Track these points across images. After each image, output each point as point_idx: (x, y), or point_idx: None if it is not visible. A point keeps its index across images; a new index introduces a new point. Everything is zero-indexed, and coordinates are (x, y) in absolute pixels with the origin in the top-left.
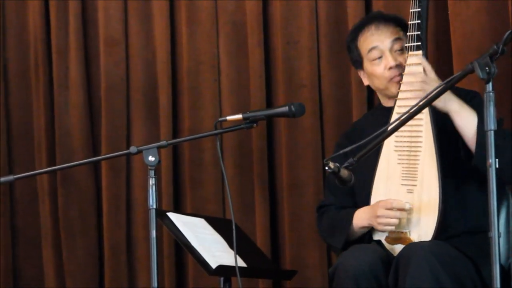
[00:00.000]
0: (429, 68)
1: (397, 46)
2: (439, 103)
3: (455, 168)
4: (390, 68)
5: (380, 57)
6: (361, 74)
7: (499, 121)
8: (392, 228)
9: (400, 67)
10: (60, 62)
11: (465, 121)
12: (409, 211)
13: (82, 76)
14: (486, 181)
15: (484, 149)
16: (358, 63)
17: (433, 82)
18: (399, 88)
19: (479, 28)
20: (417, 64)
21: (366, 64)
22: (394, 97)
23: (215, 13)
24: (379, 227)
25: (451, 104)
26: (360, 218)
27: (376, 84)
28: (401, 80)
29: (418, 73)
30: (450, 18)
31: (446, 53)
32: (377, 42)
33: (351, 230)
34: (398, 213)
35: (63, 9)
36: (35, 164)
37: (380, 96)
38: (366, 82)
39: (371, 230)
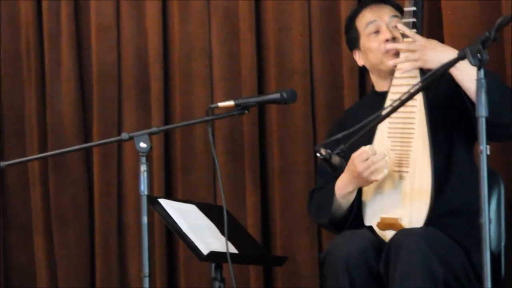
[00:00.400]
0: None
1: (394, 23)
2: (432, 64)
3: (446, 151)
4: (387, 40)
5: (377, 32)
6: (356, 54)
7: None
8: (385, 172)
9: (397, 42)
10: (51, 48)
11: (465, 74)
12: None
13: (74, 62)
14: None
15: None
16: (354, 41)
17: (418, 47)
18: (393, 74)
19: (471, 14)
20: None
21: (363, 40)
22: (389, 74)
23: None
24: (372, 178)
25: (447, 59)
26: (342, 184)
27: (371, 59)
28: (396, 55)
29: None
30: (442, 4)
31: (438, 39)
32: (374, 17)
33: (337, 202)
34: (377, 156)
35: None
36: (26, 150)
37: (374, 79)
38: (361, 62)
39: (362, 217)
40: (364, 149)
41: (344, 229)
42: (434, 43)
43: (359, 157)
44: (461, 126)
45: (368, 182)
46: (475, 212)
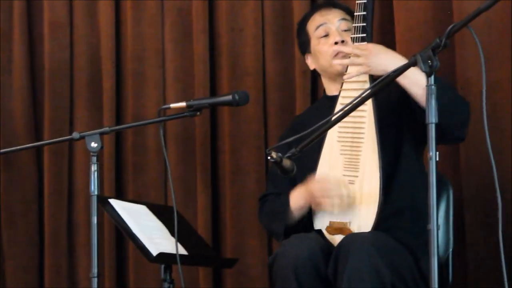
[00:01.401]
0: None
1: (343, 26)
2: (376, 70)
3: (395, 155)
4: (336, 43)
5: (326, 35)
6: (308, 58)
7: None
8: (329, 192)
9: (346, 45)
10: (3, 45)
11: (412, 79)
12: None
13: (26, 59)
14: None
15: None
16: (305, 44)
17: (363, 51)
18: (345, 71)
19: (423, 20)
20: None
21: (313, 43)
22: (339, 77)
23: None
24: (321, 208)
25: (391, 65)
26: (296, 198)
27: (322, 62)
28: (345, 58)
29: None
30: (394, 9)
31: (390, 44)
32: (324, 20)
33: (290, 213)
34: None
35: None
36: None
37: (325, 82)
38: (312, 66)
39: (312, 219)
40: (328, 179)
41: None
42: (378, 48)
43: (322, 181)
44: (410, 130)
45: (317, 206)
46: (421, 212)
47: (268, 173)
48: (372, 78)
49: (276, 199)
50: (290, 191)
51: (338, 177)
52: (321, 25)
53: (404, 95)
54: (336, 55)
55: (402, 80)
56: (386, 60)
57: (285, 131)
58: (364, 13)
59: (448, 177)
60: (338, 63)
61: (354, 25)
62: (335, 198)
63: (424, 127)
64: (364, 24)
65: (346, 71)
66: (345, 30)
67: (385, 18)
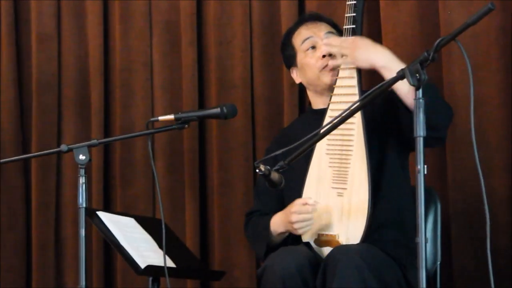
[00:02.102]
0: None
1: (329, 40)
2: (362, 63)
3: (380, 164)
4: (323, 56)
5: (313, 48)
6: (294, 72)
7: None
8: (308, 227)
9: (333, 58)
10: None
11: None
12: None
13: (14, 72)
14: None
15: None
16: (291, 58)
17: (349, 43)
18: (332, 92)
19: (410, 33)
20: (350, 78)
21: (300, 56)
22: (326, 91)
23: (148, 11)
24: (297, 232)
25: (376, 59)
26: (276, 224)
27: (309, 75)
28: (333, 71)
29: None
30: (382, 22)
31: None
32: (311, 33)
33: (271, 237)
34: (309, 211)
35: None
36: None
37: (311, 96)
38: (298, 79)
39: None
40: (308, 202)
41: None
42: (366, 42)
43: (297, 207)
44: (393, 136)
45: (294, 232)
46: (409, 224)
47: (254, 189)
48: (361, 90)
49: (259, 220)
50: (276, 206)
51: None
52: (307, 38)
53: (388, 105)
54: (324, 68)
55: (387, 74)
56: (373, 53)
57: (270, 144)
58: (353, 26)
59: (436, 190)
60: (330, 63)
61: (346, 15)
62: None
63: (409, 130)
64: (354, 14)
65: (335, 84)
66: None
67: (372, 30)
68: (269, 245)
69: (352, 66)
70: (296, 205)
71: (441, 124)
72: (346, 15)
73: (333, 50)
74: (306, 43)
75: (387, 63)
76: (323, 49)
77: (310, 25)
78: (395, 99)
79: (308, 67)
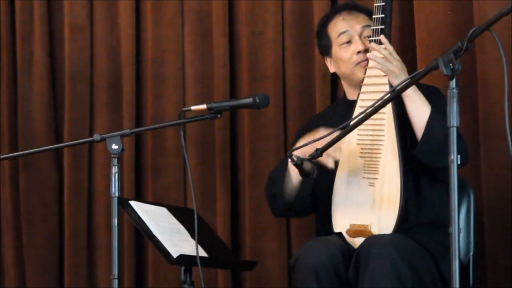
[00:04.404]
0: (390, 47)
1: (366, 33)
2: (392, 81)
3: (416, 162)
4: (359, 52)
5: (349, 42)
6: (328, 61)
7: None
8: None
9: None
10: (24, 47)
11: (417, 108)
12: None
13: (46, 62)
14: (436, 175)
15: (428, 145)
16: (326, 48)
17: (395, 61)
18: (362, 82)
19: (443, 24)
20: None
21: (335, 49)
22: (360, 85)
23: (180, 1)
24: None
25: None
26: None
27: (343, 69)
28: (367, 65)
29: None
30: (415, 12)
31: (411, 49)
32: (347, 26)
33: (289, 178)
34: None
35: None
36: None
37: (345, 86)
38: (332, 69)
39: (332, 224)
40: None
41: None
42: (399, 66)
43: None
44: None
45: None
46: (444, 223)
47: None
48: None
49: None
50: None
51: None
52: (343, 32)
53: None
54: (359, 63)
55: (410, 104)
56: (402, 74)
57: (301, 130)
58: (383, 15)
59: (469, 181)
60: (369, 56)
61: (372, 28)
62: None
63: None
64: (383, 26)
65: (365, 74)
66: (368, 37)
67: (405, 21)
68: (286, 188)
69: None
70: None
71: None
72: (374, 16)
73: (375, 64)
74: (342, 37)
75: (414, 94)
76: (358, 45)
77: (347, 17)
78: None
79: (342, 62)
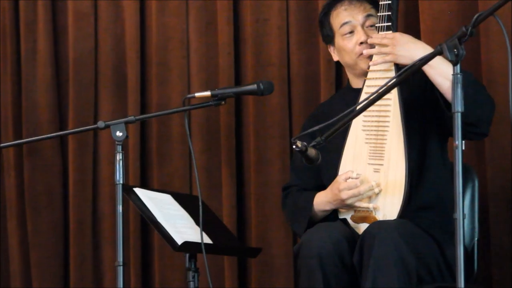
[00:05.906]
0: (391, 35)
1: (369, 22)
2: (403, 60)
3: (421, 146)
4: (361, 43)
5: (351, 32)
6: (331, 50)
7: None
8: (360, 196)
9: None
10: (28, 34)
11: (437, 69)
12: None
13: (50, 49)
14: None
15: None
16: (329, 38)
17: (400, 42)
18: (368, 68)
19: (447, 9)
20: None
21: (338, 39)
22: (363, 75)
23: None
24: (348, 202)
25: (418, 55)
26: (322, 203)
27: (346, 60)
28: (371, 57)
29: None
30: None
31: (415, 34)
32: (349, 17)
33: (313, 214)
34: (364, 187)
35: None
36: (1, 136)
37: (349, 75)
38: (335, 58)
39: (337, 210)
40: (351, 176)
41: None
42: (406, 38)
43: (345, 184)
44: (435, 122)
45: (343, 204)
46: (448, 207)
47: (291, 164)
48: (397, 67)
49: (300, 195)
50: (312, 181)
51: (362, 176)
52: (346, 22)
53: (429, 89)
54: (362, 54)
55: (428, 70)
56: (414, 50)
57: (307, 120)
58: (389, 1)
59: (473, 167)
60: (365, 52)
61: (379, 14)
62: (367, 194)
63: (450, 120)
64: (389, 13)
65: (369, 68)
66: (371, 26)
67: (409, 7)
68: (310, 222)
69: (392, 62)
70: (341, 182)
71: (483, 119)
72: (379, 14)
73: (374, 52)
74: (345, 27)
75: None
76: (361, 35)
77: (349, 6)
78: (435, 88)
79: (345, 52)
